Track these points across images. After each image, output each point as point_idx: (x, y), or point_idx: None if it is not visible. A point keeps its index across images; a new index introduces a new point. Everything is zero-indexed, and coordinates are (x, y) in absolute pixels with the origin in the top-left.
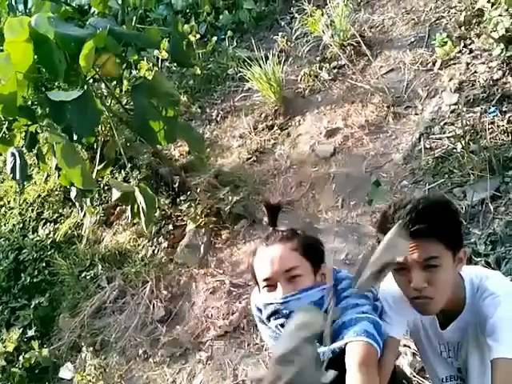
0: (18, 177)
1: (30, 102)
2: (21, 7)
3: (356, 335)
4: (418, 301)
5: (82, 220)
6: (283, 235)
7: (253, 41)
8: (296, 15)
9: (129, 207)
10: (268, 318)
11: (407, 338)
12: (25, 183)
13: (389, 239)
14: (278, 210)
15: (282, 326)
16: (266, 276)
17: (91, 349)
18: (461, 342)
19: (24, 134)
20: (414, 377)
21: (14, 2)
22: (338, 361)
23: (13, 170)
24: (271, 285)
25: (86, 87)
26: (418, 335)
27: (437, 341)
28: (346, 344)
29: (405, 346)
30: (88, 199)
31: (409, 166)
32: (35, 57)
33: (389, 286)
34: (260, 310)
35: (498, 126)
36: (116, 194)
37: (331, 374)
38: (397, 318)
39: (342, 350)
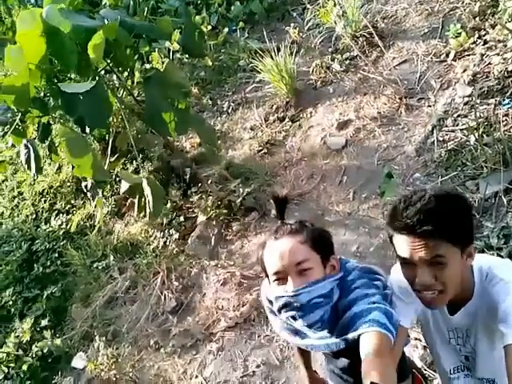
0: (32, 168)
1: (42, 94)
2: (32, 0)
3: (369, 326)
4: (425, 295)
5: (94, 211)
6: (292, 228)
7: (264, 32)
8: (308, 6)
9: (136, 200)
10: (279, 311)
11: (418, 330)
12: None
13: None
14: (286, 203)
15: (294, 318)
16: (276, 270)
17: (103, 339)
18: (469, 329)
19: (37, 125)
20: (425, 370)
21: None
22: (350, 351)
23: (27, 161)
24: (281, 278)
25: (97, 79)
26: (427, 323)
27: (445, 327)
28: (359, 335)
29: (416, 339)
30: (100, 190)
31: (421, 158)
32: (47, 48)
33: (396, 275)
34: (271, 302)
35: None
36: (125, 186)
37: (343, 361)
38: (405, 307)
39: (355, 341)
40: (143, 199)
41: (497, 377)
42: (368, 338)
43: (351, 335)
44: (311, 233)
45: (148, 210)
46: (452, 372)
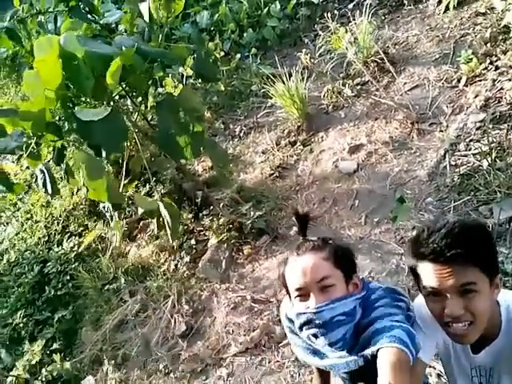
0: (49, 191)
1: (57, 118)
2: (50, 26)
3: (389, 341)
4: (455, 327)
5: (106, 234)
6: (314, 245)
7: (276, 58)
8: (320, 32)
9: (154, 220)
10: (300, 328)
11: (433, 358)
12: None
13: None
14: (308, 220)
15: (315, 336)
16: (299, 286)
17: (113, 362)
18: (493, 367)
19: (52, 148)
20: None
21: (43, 21)
22: (369, 375)
23: (44, 184)
24: (303, 294)
25: (112, 105)
26: (448, 359)
27: (468, 364)
28: (378, 350)
29: (430, 366)
30: (116, 213)
31: (434, 182)
32: (63, 74)
33: (418, 308)
34: (291, 321)
35: None
36: (141, 210)
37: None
38: (426, 341)
39: (374, 357)
40: (161, 219)
41: None
42: (387, 353)
43: (370, 350)
44: (334, 250)
45: (168, 231)
46: None
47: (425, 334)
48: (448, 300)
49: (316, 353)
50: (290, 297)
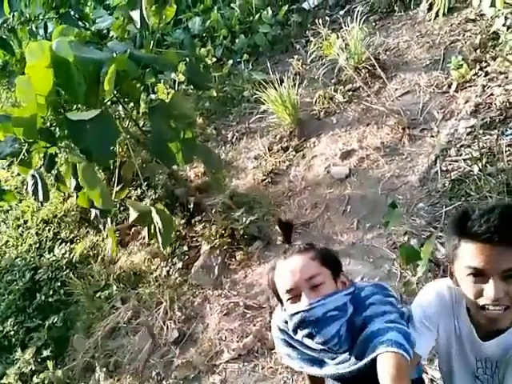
0: (40, 198)
1: (48, 124)
2: (41, 33)
3: (387, 346)
4: (491, 310)
5: (97, 241)
6: (300, 247)
7: (268, 64)
8: (311, 39)
9: (145, 228)
10: (295, 330)
11: (427, 365)
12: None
13: None
14: (292, 228)
15: (310, 336)
16: (289, 287)
17: (104, 370)
18: (500, 360)
19: (43, 155)
20: None
21: (34, 28)
22: (362, 377)
23: (34, 191)
24: (295, 296)
25: (103, 109)
26: (449, 350)
27: (474, 356)
28: (377, 355)
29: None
30: (109, 220)
31: (425, 188)
32: (55, 80)
33: (423, 300)
34: (284, 331)
35: None
36: (133, 215)
37: None
38: (425, 335)
39: (373, 360)
40: (153, 227)
41: None
42: (386, 360)
43: (370, 357)
44: (320, 250)
45: (160, 239)
46: None
47: (426, 329)
48: (490, 282)
49: (314, 362)
50: (281, 303)
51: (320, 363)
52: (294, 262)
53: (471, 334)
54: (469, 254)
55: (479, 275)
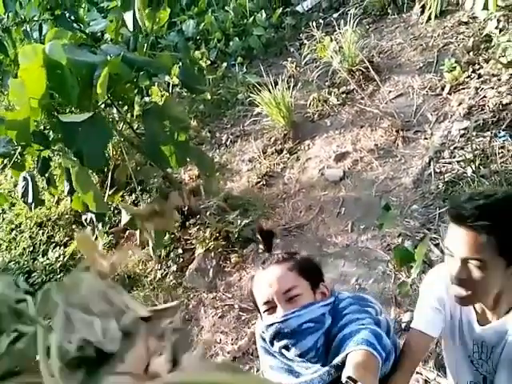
0: (29, 201)
1: (42, 127)
2: (35, 34)
3: (356, 344)
4: (456, 288)
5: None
6: (279, 257)
7: (262, 66)
8: (305, 41)
9: (137, 231)
10: (271, 342)
11: (422, 366)
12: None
13: None
14: (273, 236)
15: (286, 348)
16: (266, 299)
17: None
18: (495, 346)
19: (36, 158)
20: None
21: (28, 30)
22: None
23: (24, 194)
24: (271, 307)
25: (96, 112)
26: (453, 334)
27: (471, 340)
28: (347, 355)
29: (417, 373)
30: (100, 223)
31: (419, 190)
32: (48, 83)
33: (430, 284)
34: (264, 340)
35: (509, 151)
36: (125, 218)
37: None
38: (435, 315)
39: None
40: (145, 230)
41: None
42: (353, 356)
43: (340, 357)
44: (299, 260)
45: (151, 243)
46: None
47: (435, 310)
48: (458, 265)
49: (291, 372)
50: (260, 313)
51: (296, 374)
52: (271, 273)
53: (470, 317)
54: (448, 235)
55: (452, 256)
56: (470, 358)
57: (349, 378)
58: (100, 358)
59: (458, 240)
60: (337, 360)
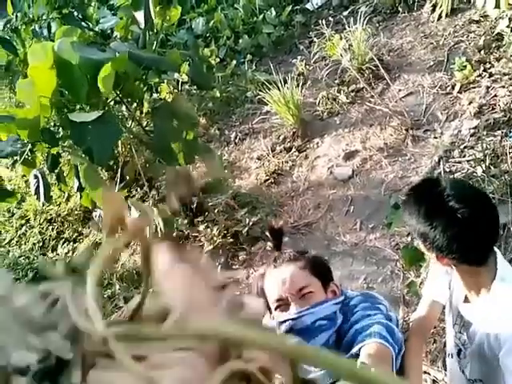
0: (42, 198)
1: (52, 124)
2: (44, 33)
3: (369, 338)
4: None
5: (100, 240)
6: (290, 256)
7: (271, 64)
8: (315, 39)
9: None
10: None
11: (429, 365)
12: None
13: None
14: (282, 234)
15: None
16: (278, 297)
17: None
18: (469, 325)
19: (46, 155)
20: None
21: (38, 28)
22: None
23: (37, 191)
24: (284, 305)
25: (106, 109)
26: (450, 304)
27: (457, 312)
28: (360, 349)
29: (425, 372)
30: None
31: None
32: (58, 81)
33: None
34: None
35: None
36: (135, 214)
37: None
38: (441, 282)
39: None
40: (154, 227)
41: (484, 379)
42: (366, 348)
43: (353, 350)
44: (310, 259)
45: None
46: (449, 355)
47: (441, 277)
48: None
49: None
50: (269, 311)
51: (306, 372)
52: (284, 272)
53: (461, 292)
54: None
55: None
56: (455, 330)
57: (362, 363)
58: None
59: None
60: (349, 354)
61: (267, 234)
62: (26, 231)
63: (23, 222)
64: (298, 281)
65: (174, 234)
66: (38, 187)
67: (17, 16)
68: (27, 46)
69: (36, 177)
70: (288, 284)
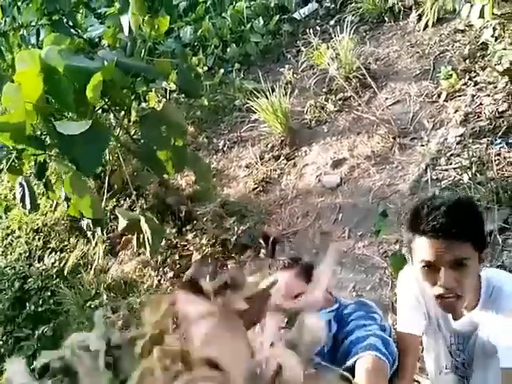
0: (27, 206)
1: (39, 132)
2: (33, 39)
3: (364, 350)
4: (445, 299)
5: (88, 250)
6: (285, 263)
7: (259, 73)
8: (302, 48)
9: (135, 236)
10: None
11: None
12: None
13: None
14: (277, 242)
15: None
16: None
17: None
18: (470, 336)
19: (33, 162)
20: None
21: (26, 34)
22: None
23: (22, 199)
24: None
25: (93, 118)
26: (432, 331)
27: (448, 333)
28: (356, 361)
29: (415, 381)
30: (99, 228)
31: (415, 196)
32: (45, 88)
33: (406, 279)
34: None
35: (505, 158)
36: (123, 223)
37: None
38: (415, 313)
39: (352, 370)
40: (142, 236)
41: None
42: (362, 362)
43: (349, 362)
44: (304, 266)
45: (148, 248)
46: (446, 368)
47: (414, 308)
48: (441, 272)
49: None
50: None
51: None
52: (278, 280)
53: (444, 314)
54: (420, 249)
55: (431, 266)
56: (449, 349)
57: None
58: None
59: (437, 249)
60: (345, 366)
61: (261, 241)
62: (12, 241)
63: (9, 231)
64: (292, 289)
65: (163, 243)
66: (23, 195)
67: (5, 21)
68: (15, 52)
69: (21, 185)
70: (283, 292)
